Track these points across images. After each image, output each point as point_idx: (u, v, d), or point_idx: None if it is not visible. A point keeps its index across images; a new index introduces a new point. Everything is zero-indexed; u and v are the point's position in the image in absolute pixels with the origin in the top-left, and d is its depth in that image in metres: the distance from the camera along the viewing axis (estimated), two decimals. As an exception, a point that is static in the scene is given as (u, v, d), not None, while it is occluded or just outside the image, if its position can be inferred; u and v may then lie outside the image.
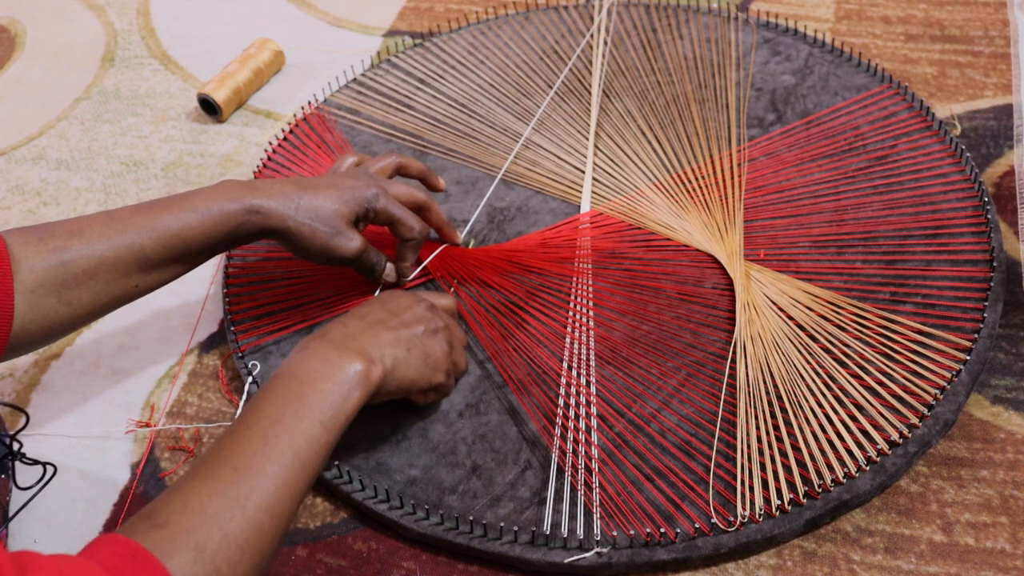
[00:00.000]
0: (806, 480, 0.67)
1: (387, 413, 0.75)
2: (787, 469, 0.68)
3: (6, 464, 0.72)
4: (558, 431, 0.72)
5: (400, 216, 0.77)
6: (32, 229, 0.66)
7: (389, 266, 0.81)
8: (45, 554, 0.47)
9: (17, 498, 0.73)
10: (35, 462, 0.73)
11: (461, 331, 0.75)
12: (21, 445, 0.73)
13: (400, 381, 0.66)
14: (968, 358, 0.73)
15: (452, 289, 0.83)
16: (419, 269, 0.84)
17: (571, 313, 0.80)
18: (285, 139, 1.01)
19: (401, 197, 0.78)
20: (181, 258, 0.70)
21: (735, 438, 0.70)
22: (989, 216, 0.82)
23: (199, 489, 0.54)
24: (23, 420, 0.76)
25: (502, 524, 0.67)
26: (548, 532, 0.66)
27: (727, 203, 0.87)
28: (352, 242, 0.74)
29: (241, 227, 0.71)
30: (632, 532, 0.66)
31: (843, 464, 0.67)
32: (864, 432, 0.69)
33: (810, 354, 0.75)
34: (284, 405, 0.59)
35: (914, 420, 0.69)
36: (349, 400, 0.61)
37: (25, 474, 0.75)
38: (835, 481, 0.66)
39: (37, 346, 0.67)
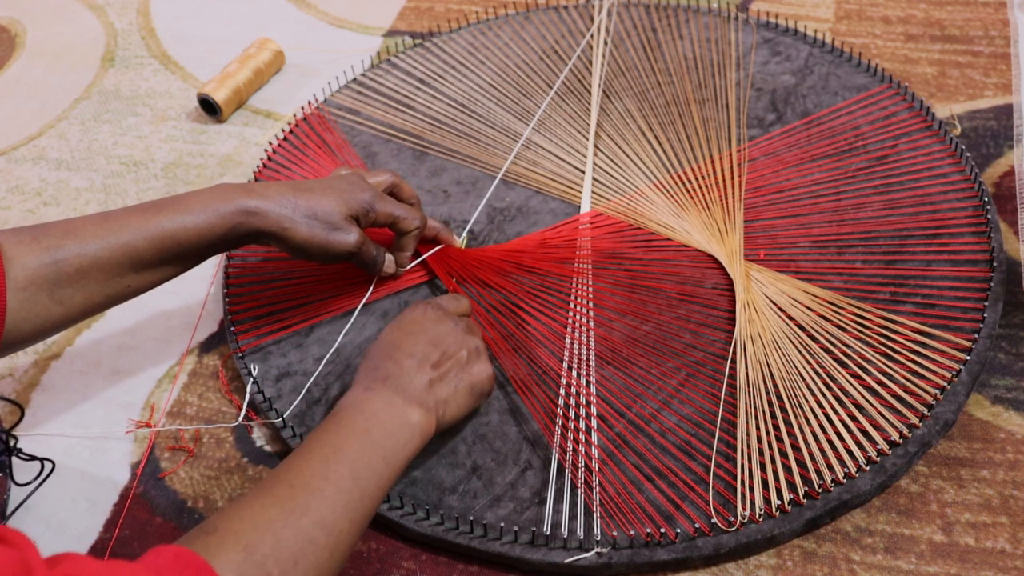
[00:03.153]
0: (806, 480, 0.67)
1: (387, 413, 0.75)
2: (787, 469, 0.68)
3: (3, 461, 0.72)
4: (558, 431, 0.72)
5: (400, 213, 0.78)
6: (26, 229, 0.66)
7: (388, 258, 0.81)
8: (93, 559, 0.46)
9: (16, 497, 0.73)
10: (32, 458, 0.73)
11: (480, 331, 0.76)
12: (17, 440, 0.73)
13: (451, 421, 0.68)
14: (968, 358, 0.73)
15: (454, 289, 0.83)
16: (416, 262, 0.84)
17: (571, 313, 0.80)
18: (285, 139, 1.01)
19: (381, 183, 0.80)
20: (175, 259, 0.70)
21: (735, 438, 0.70)
22: (989, 216, 0.82)
23: (252, 502, 0.54)
24: (19, 416, 0.76)
25: (502, 524, 0.67)
26: (548, 532, 0.66)
27: (727, 203, 0.87)
28: (350, 236, 0.74)
29: (236, 228, 0.71)
30: (632, 532, 0.66)
31: (843, 464, 0.67)
32: (864, 432, 0.69)
33: (810, 354, 0.75)
34: (348, 435, 0.61)
35: (914, 420, 0.69)
36: (409, 445, 0.63)
37: (24, 473, 0.75)
38: (835, 481, 0.66)
39: (30, 344, 0.67)
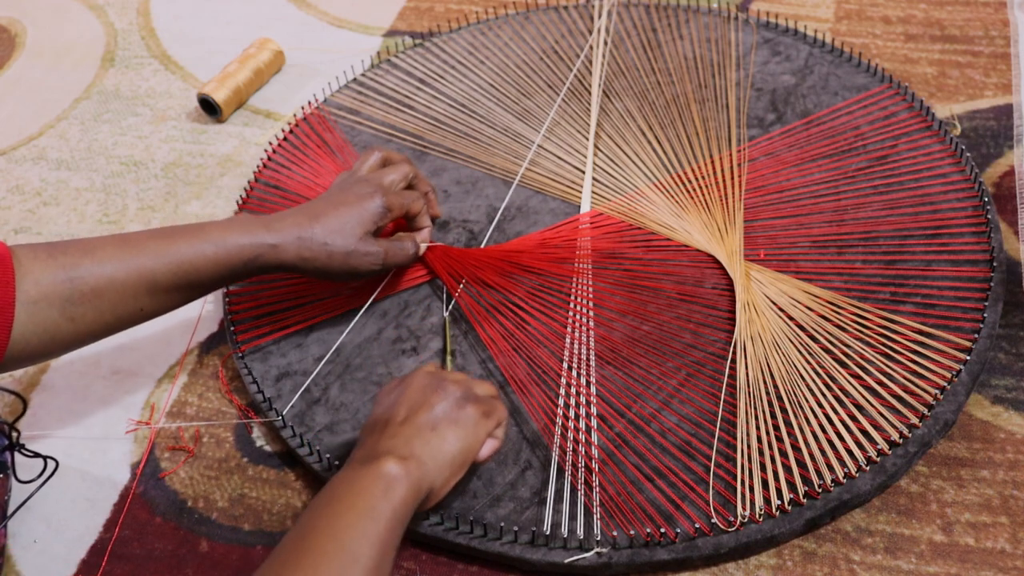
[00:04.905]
0: (806, 480, 0.67)
1: (387, 413, 0.76)
2: (787, 469, 0.68)
3: (5, 462, 0.72)
4: (558, 431, 0.72)
5: (408, 203, 0.78)
6: (44, 245, 0.67)
7: (416, 243, 0.80)
8: None
9: (17, 496, 0.73)
10: (36, 454, 0.73)
11: (496, 402, 0.68)
12: (20, 434, 0.73)
13: (445, 462, 0.62)
14: (968, 358, 0.73)
15: (457, 292, 0.83)
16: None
17: (571, 313, 0.80)
18: (285, 139, 1.01)
19: (396, 181, 0.79)
20: (190, 286, 0.70)
21: (735, 438, 0.70)
22: (989, 216, 0.82)
23: None
24: (21, 409, 0.76)
25: (502, 524, 0.67)
26: (548, 532, 0.66)
27: (727, 203, 0.87)
28: (372, 254, 0.74)
29: (254, 261, 0.71)
30: (632, 532, 0.66)
31: (843, 464, 0.67)
32: (864, 432, 0.69)
33: (810, 354, 0.75)
34: (322, 507, 0.57)
35: (914, 420, 0.69)
36: (390, 496, 0.57)
37: (25, 471, 0.75)
38: (835, 481, 0.66)
39: (38, 359, 0.67)
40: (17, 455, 0.73)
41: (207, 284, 0.71)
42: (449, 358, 0.78)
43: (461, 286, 0.82)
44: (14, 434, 0.73)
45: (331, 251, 0.72)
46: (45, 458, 0.74)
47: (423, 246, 0.82)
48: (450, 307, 0.81)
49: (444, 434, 0.62)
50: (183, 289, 0.70)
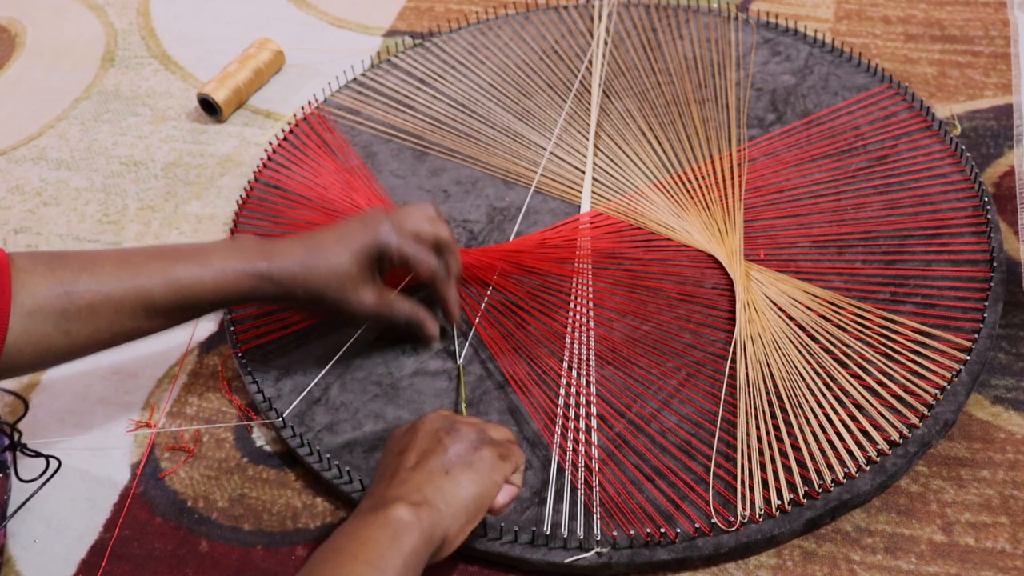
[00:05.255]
0: (806, 480, 0.67)
1: (386, 414, 0.75)
2: (787, 469, 0.68)
3: (5, 461, 0.72)
4: (558, 431, 0.72)
5: (411, 253, 0.73)
6: (44, 256, 0.66)
7: (433, 323, 0.77)
8: None
9: (17, 496, 0.73)
10: (38, 454, 0.73)
11: (517, 449, 0.64)
12: (21, 435, 0.73)
13: (461, 504, 0.58)
14: (968, 358, 0.73)
15: (469, 337, 0.80)
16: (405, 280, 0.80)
17: (571, 313, 0.80)
18: (285, 139, 1.01)
19: (420, 232, 0.74)
20: (187, 309, 0.70)
21: (735, 438, 0.70)
22: (989, 216, 0.82)
23: None
24: (23, 410, 0.75)
25: (502, 524, 0.67)
26: (548, 532, 0.66)
27: (727, 203, 0.87)
28: (363, 300, 0.72)
29: (252, 292, 0.70)
30: (632, 532, 0.66)
31: (843, 464, 0.67)
32: (864, 432, 0.69)
33: (810, 354, 0.75)
34: (326, 558, 0.54)
35: (914, 420, 0.69)
36: (400, 543, 0.54)
37: (26, 471, 0.74)
38: (835, 481, 0.66)
39: (30, 370, 0.67)
40: (19, 455, 0.73)
41: (205, 309, 0.71)
42: (464, 406, 0.75)
43: (472, 330, 0.80)
44: (16, 435, 0.73)
45: (323, 292, 0.71)
46: (47, 457, 0.74)
47: (436, 328, 0.77)
48: (463, 354, 0.78)
49: (458, 478, 0.58)
50: (180, 312, 0.70)
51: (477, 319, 0.80)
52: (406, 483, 0.58)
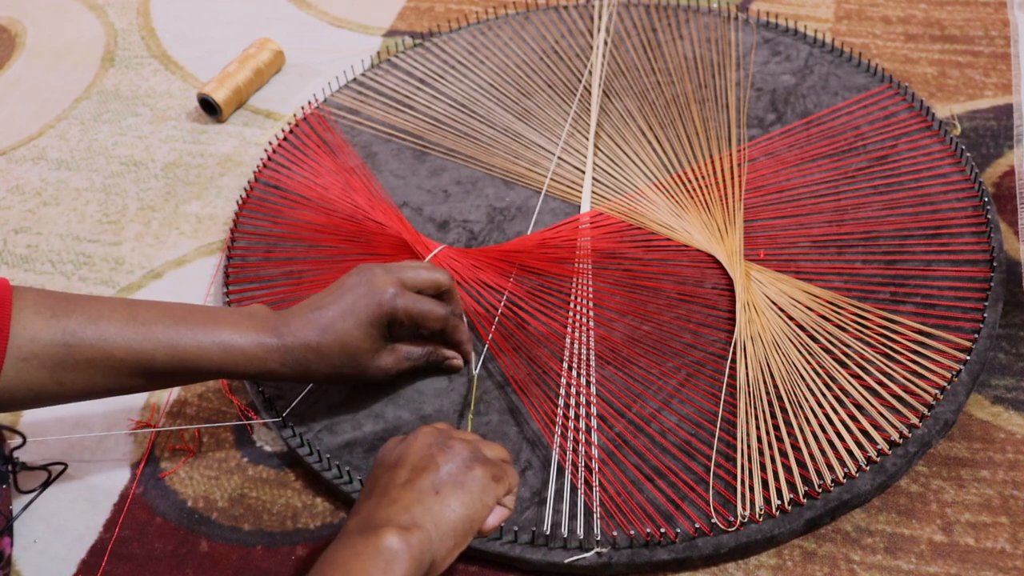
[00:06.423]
0: (806, 480, 0.67)
1: (386, 414, 0.75)
2: (787, 469, 0.68)
3: (3, 471, 0.72)
4: (558, 431, 0.72)
5: (419, 312, 0.71)
6: (51, 297, 0.65)
7: (454, 354, 0.77)
8: None
9: (21, 497, 0.73)
10: (42, 467, 0.73)
11: (511, 470, 0.63)
12: (17, 465, 0.73)
13: (450, 526, 0.57)
14: (968, 358, 0.73)
15: (482, 356, 0.80)
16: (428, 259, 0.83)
17: (571, 313, 0.80)
18: (285, 139, 1.01)
19: (420, 285, 0.73)
20: (187, 377, 0.69)
21: (735, 438, 0.70)
22: (989, 216, 0.82)
23: None
24: (19, 440, 0.75)
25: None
26: (548, 532, 0.66)
27: (727, 203, 0.87)
28: (380, 366, 0.72)
29: (260, 373, 0.69)
30: (632, 532, 0.66)
31: (843, 464, 0.67)
32: (864, 432, 0.69)
33: (810, 354, 0.75)
34: None
35: (914, 420, 0.69)
36: (390, 572, 0.53)
37: (28, 480, 0.75)
38: (835, 481, 0.66)
39: (17, 409, 0.66)
40: (21, 470, 0.73)
41: (205, 378, 0.70)
42: (471, 415, 0.74)
43: (485, 348, 0.79)
44: (11, 466, 0.73)
45: (339, 370, 0.70)
46: (47, 467, 0.74)
47: (460, 361, 0.77)
48: (479, 365, 0.78)
49: (447, 499, 0.57)
50: (179, 378, 0.69)
51: (493, 327, 0.80)
52: (396, 502, 0.57)
